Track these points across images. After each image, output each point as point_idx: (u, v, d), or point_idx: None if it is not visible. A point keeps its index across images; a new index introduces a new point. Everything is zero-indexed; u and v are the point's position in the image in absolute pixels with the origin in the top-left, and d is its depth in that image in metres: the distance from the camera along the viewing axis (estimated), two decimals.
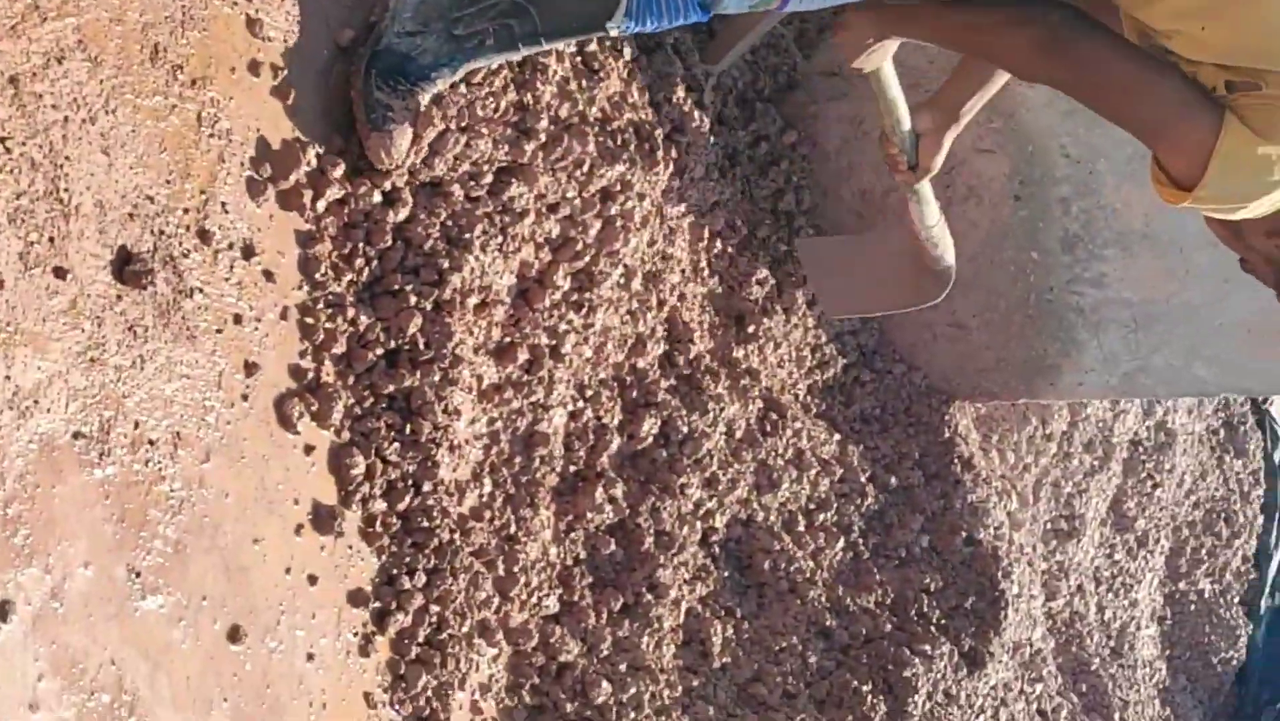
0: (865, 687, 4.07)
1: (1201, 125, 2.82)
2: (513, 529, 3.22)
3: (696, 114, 3.88)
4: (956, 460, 4.90)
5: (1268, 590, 8.45)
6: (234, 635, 2.49)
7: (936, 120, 3.62)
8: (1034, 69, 3.18)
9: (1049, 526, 6.04)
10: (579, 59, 3.32)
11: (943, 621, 4.58)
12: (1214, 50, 2.80)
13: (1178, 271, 4.61)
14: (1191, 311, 4.49)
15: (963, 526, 4.85)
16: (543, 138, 3.15)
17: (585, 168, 3.28)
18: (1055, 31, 3.10)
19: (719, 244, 4.02)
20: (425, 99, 2.82)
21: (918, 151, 3.66)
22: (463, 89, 2.97)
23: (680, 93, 3.78)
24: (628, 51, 3.57)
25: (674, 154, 3.61)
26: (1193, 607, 7.79)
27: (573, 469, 3.47)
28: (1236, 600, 8.19)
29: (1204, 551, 7.78)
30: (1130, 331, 4.60)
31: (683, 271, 3.84)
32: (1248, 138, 2.79)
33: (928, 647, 4.36)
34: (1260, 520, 8.32)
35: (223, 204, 2.53)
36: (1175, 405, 7.13)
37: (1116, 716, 6.40)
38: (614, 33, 2.82)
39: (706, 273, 3.98)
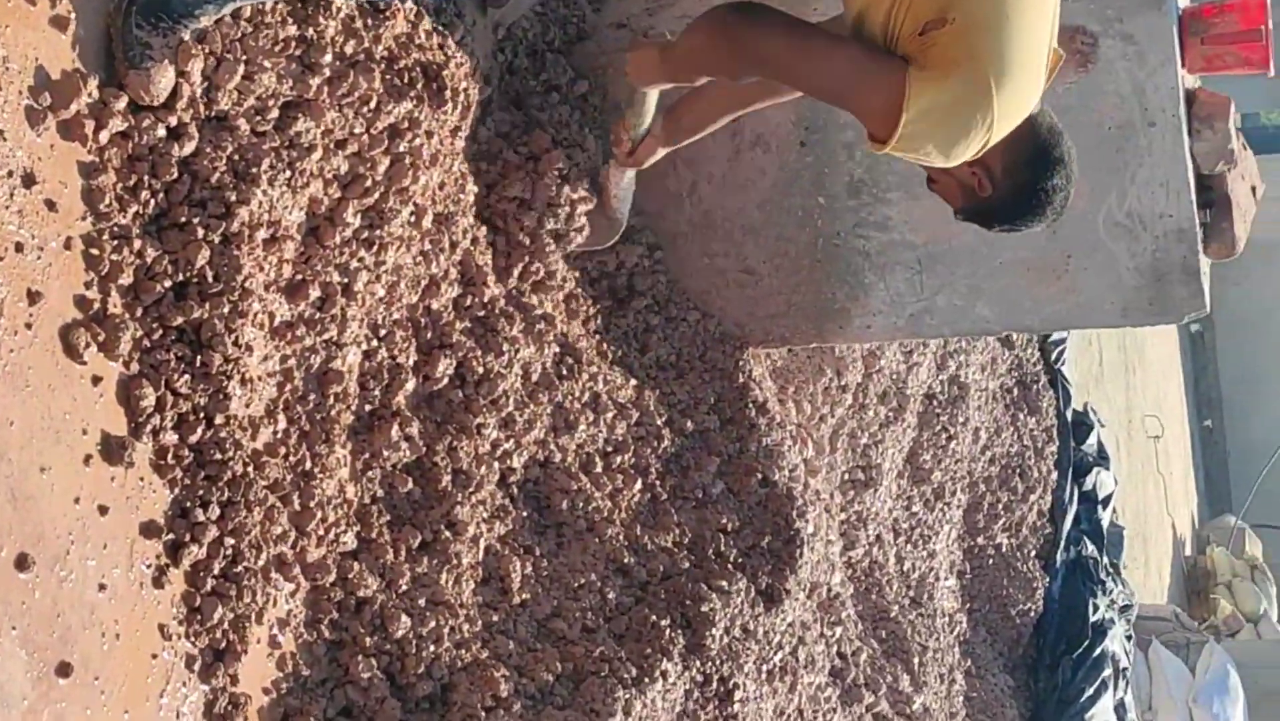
0: (664, 622, 4.14)
1: (882, 87, 3.10)
2: (308, 465, 3.23)
3: (484, 60, 3.92)
4: (751, 405, 4.99)
5: (1063, 544, 8.68)
6: (21, 563, 2.48)
7: (664, 130, 3.94)
8: (724, 62, 3.47)
9: (846, 476, 6.16)
10: None
11: (740, 560, 4.67)
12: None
13: None
14: (972, 252, 4.61)
15: (758, 468, 4.94)
16: (328, 73, 3.16)
17: (373, 104, 3.29)
18: (724, 21, 3.39)
19: None
20: (187, 35, 2.83)
21: (640, 145, 3.98)
22: (238, 21, 2.98)
23: (468, 38, 3.82)
24: None
25: (462, 97, 3.65)
26: (990, 561, 7.98)
27: (368, 408, 3.49)
28: (1033, 554, 8.39)
29: (1000, 506, 7.97)
30: (915, 273, 4.72)
31: (475, 216, 3.88)
32: (928, 82, 3.07)
33: (725, 584, 4.44)
34: (1054, 476, 8.55)
35: (0, 131, 2.51)
36: (968, 360, 7.30)
37: (916, 661, 6.55)
38: None
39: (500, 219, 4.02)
